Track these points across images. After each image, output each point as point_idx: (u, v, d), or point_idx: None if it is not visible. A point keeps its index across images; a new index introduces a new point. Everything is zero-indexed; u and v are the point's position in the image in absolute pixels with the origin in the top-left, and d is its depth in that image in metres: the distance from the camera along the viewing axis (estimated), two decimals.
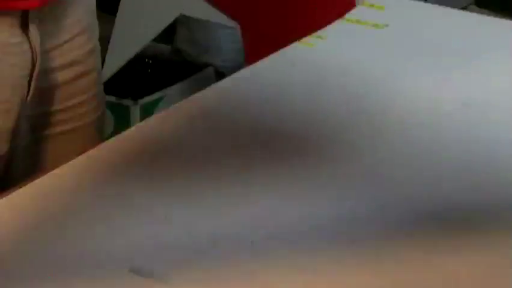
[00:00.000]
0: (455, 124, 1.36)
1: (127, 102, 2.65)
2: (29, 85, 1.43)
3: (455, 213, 1.15)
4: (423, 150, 1.30)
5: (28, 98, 1.44)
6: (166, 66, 2.86)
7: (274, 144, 1.30)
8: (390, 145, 1.31)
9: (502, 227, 1.10)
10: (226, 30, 2.81)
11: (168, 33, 2.83)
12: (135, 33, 2.72)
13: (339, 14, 1.73)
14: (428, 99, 1.43)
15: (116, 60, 2.74)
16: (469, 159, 1.26)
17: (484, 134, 1.34)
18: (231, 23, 2.67)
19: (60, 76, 1.51)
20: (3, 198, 1.15)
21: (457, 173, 1.23)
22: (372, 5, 1.77)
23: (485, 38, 1.70)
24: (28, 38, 1.42)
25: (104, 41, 2.44)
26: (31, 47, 1.43)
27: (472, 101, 1.42)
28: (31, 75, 1.44)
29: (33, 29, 1.43)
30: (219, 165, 1.23)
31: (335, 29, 1.65)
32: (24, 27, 1.42)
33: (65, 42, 1.49)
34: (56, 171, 1.21)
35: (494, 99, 1.44)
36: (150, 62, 2.84)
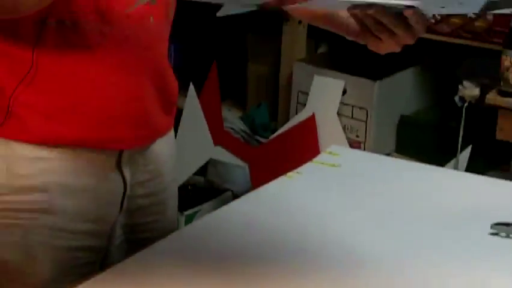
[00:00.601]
0: (386, 253, 1.53)
1: (177, 214, 2.78)
2: (121, 205, 1.65)
3: None
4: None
5: (120, 213, 1.66)
6: (201, 191, 3.24)
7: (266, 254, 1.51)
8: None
9: None
10: (239, 168, 3.16)
11: (202, 170, 3.23)
12: (183, 170, 3.06)
13: (310, 158, 1.99)
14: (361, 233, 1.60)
15: None
16: None
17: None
18: (243, 164, 3.13)
19: (142, 201, 1.70)
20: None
21: None
22: (330, 153, 2.03)
23: (408, 180, 1.90)
24: (121, 171, 1.63)
25: None
26: (123, 179, 1.63)
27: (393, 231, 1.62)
28: (123, 198, 1.64)
29: (125, 165, 1.63)
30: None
31: (307, 168, 1.93)
32: (119, 163, 1.62)
33: (149, 179, 1.71)
34: (121, 265, 1.49)
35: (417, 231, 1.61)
36: (190, 187, 3.22)
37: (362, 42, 1.54)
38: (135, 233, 1.72)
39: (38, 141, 1.54)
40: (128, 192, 1.64)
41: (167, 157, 1.75)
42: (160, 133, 1.70)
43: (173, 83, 1.74)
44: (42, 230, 1.55)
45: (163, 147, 1.72)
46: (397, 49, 1.49)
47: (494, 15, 2.79)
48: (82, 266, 1.58)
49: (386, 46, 1.50)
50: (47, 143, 1.54)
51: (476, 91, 2.74)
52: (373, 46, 1.50)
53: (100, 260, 1.64)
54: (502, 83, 2.58)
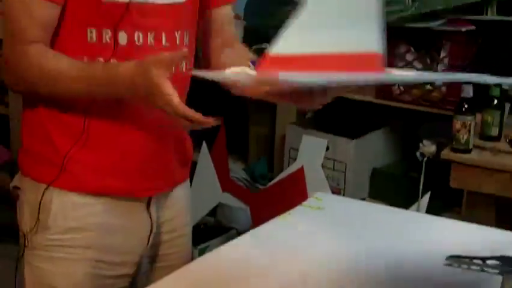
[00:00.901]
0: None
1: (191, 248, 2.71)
2: (148, 240, 1.66)
3: None
4: None
5: (147, 247, 1.68)
6: (211, 229, 3.21)
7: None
8: None
9: None
10: (242, 211, 3.13)
11: (212, 212, 3.20)
12: (197, 212, 3.01)
13: (299, 202, 1.94)
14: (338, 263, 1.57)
15: None
16: None
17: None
18: (245, 207, 3.10)
19: (165, 236, 1.72)
20: None
21: None
22: (316, 198, 1.98)
23: (379, 220, 1.87)
24: (149, 213, 1.65)
25: None
26: (151, 219, 1.65)
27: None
28: (149, 236, 1.66)
29: (153, 208, 1.66)
30: None
31: (297, 210, 1.89)
32: (148, 206, 1.64)
33: (171, 218, 1.73)
34: None
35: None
36: (202, 226, 3.18)
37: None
38: (158, 262, 1.74)
39: (85, 191, 1.57)
40: (154, 229, 1.66)
41: (185, 200, 1.78)
42: (178, 182, 1.74)
43: (189, 144, 1.77)
44: (85, 262, 1.58)
45: (181, 192, 1.76)
46: (316, 107, 1.47)
47: (447, 87, 2.81)
48: None
49: (305, 106, 1.58)
50: (93, 193, 1.57)
51: (433, 148, 2.74)
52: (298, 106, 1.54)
53: (129, 285, 1.66)
54: (454, 142, 2.57)
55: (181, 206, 1.77)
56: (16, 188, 1.66)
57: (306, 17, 1.22)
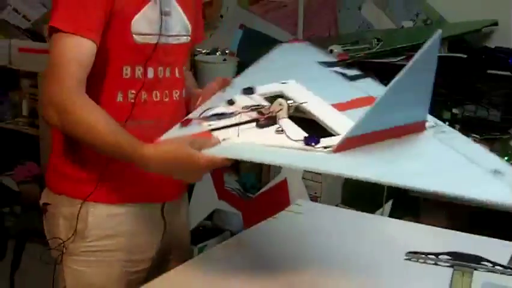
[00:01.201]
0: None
1: (191, 246, 2.55)
2: (162, 237, 1.68)
3: None
4: None
5: (160, 245, 1.68)
6: (209, 231, 3.12)
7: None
8: None
9: None
10: (235, 215, 3.08)
11: (210, 216, 3.13)
12: (197, 216, 3.01)
13: (283, 208, 1.96)
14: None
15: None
16: None
17: None
18: (238, 212, 3.06)
19: (173, 235, 1.72)
20: None
21: None
22: (297, 204, 2.01)
23: (350, 223, 1.90)
24: (163, 216, 1.67)
25: None
26: (164, 221, 1.67)
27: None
28: (163, 235, 1.68)
29: (166, 211, 1.67)
30: None
31: (281, 214, 1.91)
32: (162, 211, 1.66)
33: (178, 221, 1.74)
34: (158, 280, 1.47)
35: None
36: (201, 228, 3.09)
37: None
38: (166, 255, 1.74)
39: (116, 202, 1.57)
40: (167, 229, 1.67)
41: (186, 206, 1.79)
42: (184, 190, 1.76)
43: None
44: (117, 263, 1.59)
45: (184, 199, 1.78)
46: None
47: None
48: (136, 283, 1.59)
49: None
50: (122, 203, 1.58)
51: None
52: None
53: (145, 276, 1.64)
54: None
55: (184, 210, 1.78)
56: (46, 204, 1.64)
57: (383, 105, 1.24)
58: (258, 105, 1.46)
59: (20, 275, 2.79)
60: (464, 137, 1.40)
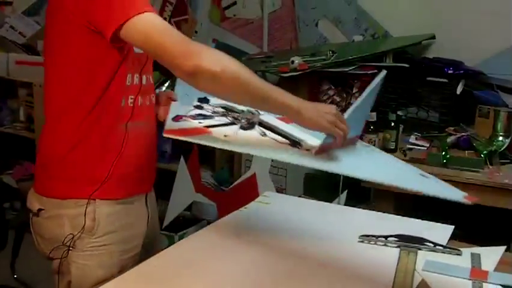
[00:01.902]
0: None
1: (172, 234, 2.99)
2: (147, 226, 1.65)
3: None
4: None
5: (145, 233, 1.65)
6: (188, 220, 3.15)
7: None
8: None
9: None
10: (211, 206, 3.07)
11: (189, 207, 3.13)
12: (177, 207, 3.05)
13: (253, 199, 1.94)
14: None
15: (168, 220, 3.02)
16: None
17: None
18: (213, 203, 3.04)
19: (152, 221, 1.68)
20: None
21: None
22: (265, 195, 1.98)
23: (311, 211, 1.86)
24: (147, 206, 1.65)
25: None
26: (148, 211, 1.65)
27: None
28: (147, 224, 1.66)
29: (148, 201, 1.66)
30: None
31: (251, 205, 1.88)
32: (146, 201, 1.65)
33: (153, 208, 1.70)
34: (144, 264, 1.46)
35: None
36: (181, 218, 3.11)
37: None
38: (151, 240, 1.70)
39: (114, 198, 1.55)
40: (150, 216, 1.66)
41: (154, 194, 1.76)
42: (154, 180, 1.73)
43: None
44: (116, 253, 1.56)
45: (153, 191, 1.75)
46: None
47: None
48: (130, 266, 1.56)
49: None
50: (118, 199, 1.55)
51: None
52: None
53: (138, 259, 1.61)
54: None
55: (154, 198, 1.75)
56: (40, 209, 1.56)
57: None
58: (230, 110, 1.49)
59: (19, 263, 2.76)
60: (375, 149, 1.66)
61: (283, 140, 1.44)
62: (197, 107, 1.57)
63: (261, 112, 1.53)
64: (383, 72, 1.46)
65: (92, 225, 1.51)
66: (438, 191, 1.27)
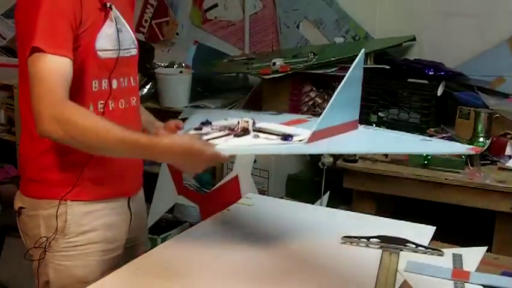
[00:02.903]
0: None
1: (155, 236, 2.90)
2: (129, 227, 1.65)
3: None
4: None
5: (129, 233, 1.65)
6: (170, 222, 3.09)
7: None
8: None
9: None
10: (193, 208, 3.04)
11: (171, 209, 3.10)
12: (159, 210, 3.02)
13: (235, 200, 1.93)
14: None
15: (150, 222, 2.89)
16: None
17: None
18: (195, 205, 3.02)
19: (135, 223, 1.67)
20: None
21: None
22: (247, 197, 1.98)
23: (293, 212, 1.87)
24: (130, 208, 1.65)
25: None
26: (130, 212, 1.65)
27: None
28: (130, 225, 1.66)
29: (132, 204, 1.66)
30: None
31: (234, 207, 1.87)
32: (128, 204, 1.65)
33: (138, 210, 1.70)
34: (130, 264, 1.47)
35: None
36: (164, 220, 3.08)
37: None
38: (134, 241, 1.71)
39: (91, 199, 1.55)
40: (132, 219, 1.66)
41: (143, 197, 1.77)
42: (141, 184, 1.74)
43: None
44: (96, 253, 1.56)
45: (141, 192, 1.76)
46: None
47: None
48: (112, 267, 1.56)
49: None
50: (96, 200, 1.56)
51: (331, 159, 2.71)
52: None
53: (120, 260, 1.61)
54: (345, 155, 2.55)
55: (143, 202, 1.77)
56: (21, 208, 1.59)
57: (333, 106, 1.42)
58: (229, 126, 1.57)
59: (0, 265, 2.70)
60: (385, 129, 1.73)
61: (276, 137, 1.49)
62: (196, 128, 1.61)
63: (257, 119, 1.59)
64: (362, 51, 1.49)
65: (63, 225, 1.51)
66: (441, 148, 1.41)
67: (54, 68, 1.36)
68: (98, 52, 1.48)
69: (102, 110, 1.51)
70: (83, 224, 1.54)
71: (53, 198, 1.52)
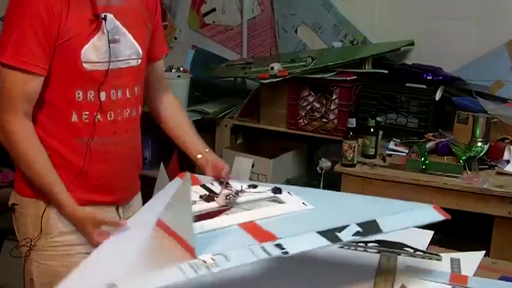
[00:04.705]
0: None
1: None
2: None
3: None
4: None
5: None
6: None
7: None
8: None
9: None
10: None
11: None
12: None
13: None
14: None
15: None
16: None
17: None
18: None
19: None
20: None
21: None
22: None
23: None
24: (118, 212, 1.71)
25: None
26: (119, 217, 1.69)
27: None
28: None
29: (122, 210, 1.72)
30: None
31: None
32: (117, 209, 1.71)
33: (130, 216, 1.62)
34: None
35: None
36: None
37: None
38: None
39: (79, 204, 1.55)
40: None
41: (139, 203, 1.77)
42: (137, 191, 1.77)
43: (141, 163, 1.78)
44: (79, 255, 1.56)
45: (137, 198, 1.77)
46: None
47: (338, 120, 2.82)
48: None
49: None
50: (82, 204, 1.56)
51: (329, 164, 2.72)
52: None
53: None
54: (343, 159, 2.56)
55: (138, 207, 1.74)
56: (14, 204, 1.63)
57: None
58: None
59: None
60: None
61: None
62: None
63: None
64: None
65: (47, 226, 1.54)
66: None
67: (14, 82, 1.43)
68: (84, 64, 1.48)
69: (87, 121, 1.53)
70: (67, 225, 1.55)
71: (40, 199, 1.55)
